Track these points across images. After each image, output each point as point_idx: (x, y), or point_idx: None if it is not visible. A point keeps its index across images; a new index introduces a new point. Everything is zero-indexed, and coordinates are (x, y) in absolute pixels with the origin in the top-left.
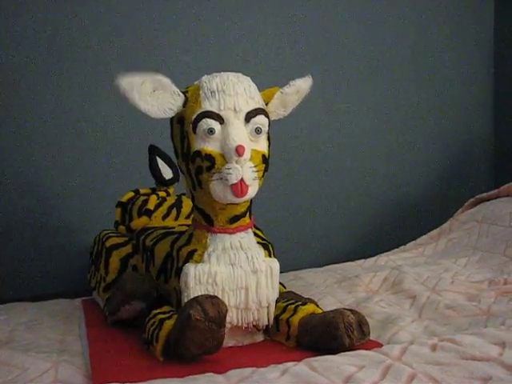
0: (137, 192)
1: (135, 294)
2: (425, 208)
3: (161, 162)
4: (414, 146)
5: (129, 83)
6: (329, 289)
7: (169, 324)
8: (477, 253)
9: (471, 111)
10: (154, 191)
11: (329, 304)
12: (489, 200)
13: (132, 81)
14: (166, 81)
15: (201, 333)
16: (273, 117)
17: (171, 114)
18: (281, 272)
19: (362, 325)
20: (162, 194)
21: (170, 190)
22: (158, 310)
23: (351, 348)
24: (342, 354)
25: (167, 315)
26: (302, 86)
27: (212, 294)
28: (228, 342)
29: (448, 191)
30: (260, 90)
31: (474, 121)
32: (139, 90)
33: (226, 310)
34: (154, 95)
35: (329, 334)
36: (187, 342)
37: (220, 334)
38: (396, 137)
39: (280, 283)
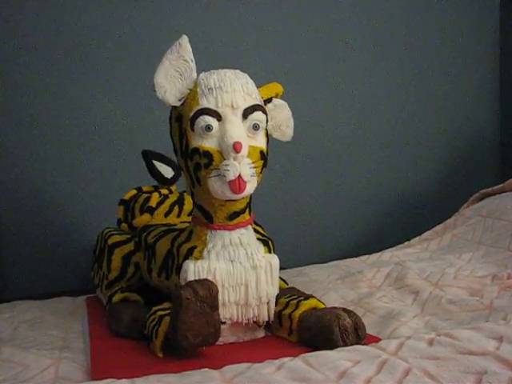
0: (139, 190)
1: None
2: (430, 203)
3: (158, 164)
4: (418, 140)
5: (177, 49)
6: (332, 285)
7: (168, 320)
8: (481, 248)
9: (477, 105)
10: (156, 189)
11: (331, 300)
12: (494, 195)
13: (180, 50)
14: (193, 77)
15: (194, 315)
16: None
17: (170, 101)
18: (284, 268)
19: (357, 328)
20: (164, 191)
21: (173, 188)
22: (159, 307)
23: None
24: (339, 349)
25: (167, 311)
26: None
27: None
28: (229, 338)
29: (453, 186)
30: (258, 87)
31: (479, 115)
32: (173, 63)
33: (217, 291)
34: (175, 76)
35: (324, 337)
36: (182, 327)
37: (214, 318)
38: (400, 131)
39: (282, 279)
